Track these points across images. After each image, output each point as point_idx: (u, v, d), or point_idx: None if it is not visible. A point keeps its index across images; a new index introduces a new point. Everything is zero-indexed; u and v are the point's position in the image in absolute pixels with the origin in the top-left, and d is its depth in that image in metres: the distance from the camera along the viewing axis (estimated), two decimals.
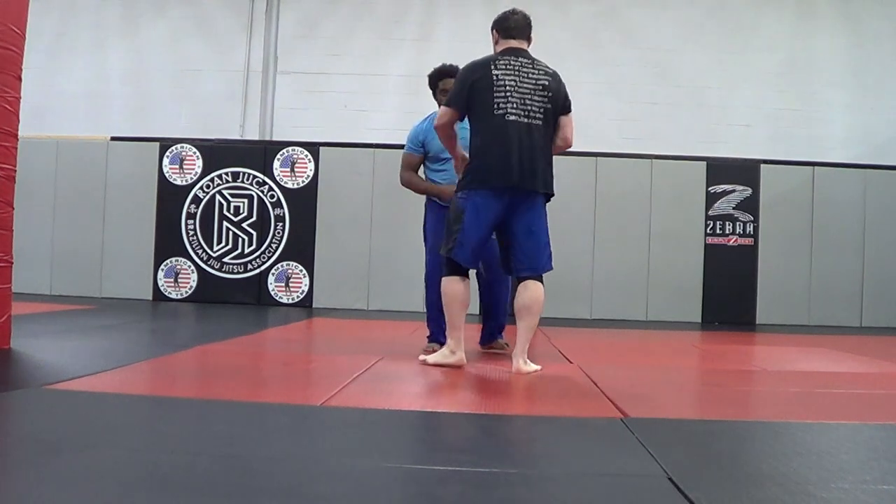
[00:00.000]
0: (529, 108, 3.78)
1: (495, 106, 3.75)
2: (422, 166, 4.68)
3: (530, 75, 3.82)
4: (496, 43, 3.99)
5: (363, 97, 9.34)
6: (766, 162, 8.71)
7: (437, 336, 4.53)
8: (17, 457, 2.03)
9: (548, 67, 3.93)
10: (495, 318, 4.80)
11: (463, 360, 3.92)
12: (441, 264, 4.00)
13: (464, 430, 2.61)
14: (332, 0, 9.55)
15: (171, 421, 2.55)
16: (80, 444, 2.15)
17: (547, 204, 3.98)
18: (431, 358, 3.99)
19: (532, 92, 3.80)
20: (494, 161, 3.75)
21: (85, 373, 3.35)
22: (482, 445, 2.39)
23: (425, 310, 4.76)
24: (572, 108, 3.99)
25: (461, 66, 4.03)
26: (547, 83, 3.85)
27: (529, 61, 3.87)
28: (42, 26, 9.06)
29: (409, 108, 9.14)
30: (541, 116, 3.81)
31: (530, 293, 3.81)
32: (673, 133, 9.16)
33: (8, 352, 3.84)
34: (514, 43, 3.93)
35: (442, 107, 3.95)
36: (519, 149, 3.74)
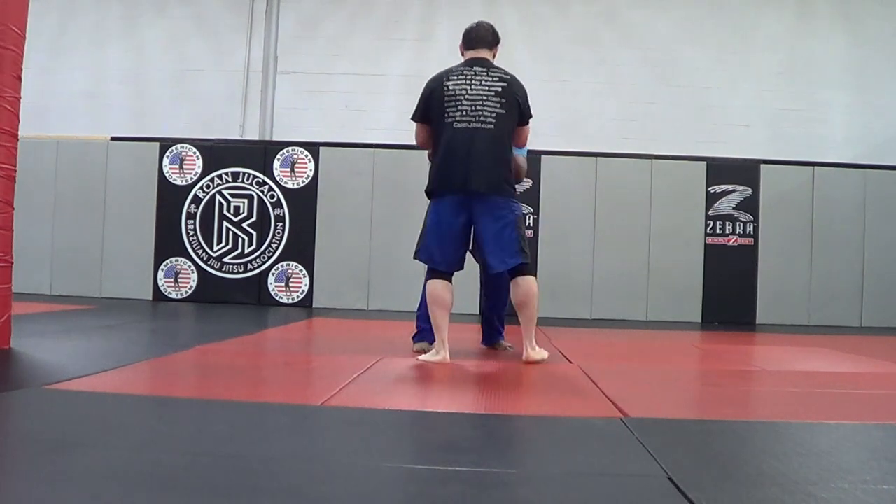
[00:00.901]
0: (480, 113, 3.99)
1: (446, 115, 4.02)
2: None
3: (483, 82, 4.03)
4: (462, 55, 4.23)
5: (363, 97, 9.34)
6: (766, 162, 8.71)
7: (426, 335, 4.55)
8: (17, 457, 2.03)
9: (505, 73, 4.13)
10: (495, 319, 4.81)
11: (446, 358, 4.04)
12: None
13: (464, 430, 2.61)
14: (332, 0, 9.56)
15: (171, 421, 2.55)
16: (79, 444, 2.15)
17: (509, 202, 4.11)
18: (422, 356, 4.17)
19: (484, 98, 4.00)
20: (445, 168, 4.03)
21: (85, 373, 3.35)
22: (482, 445, 2.39)
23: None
24: (532, 115, 4.22)
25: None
26: (501, 89, 4.04)
27: (484, 69, 4.08)
28: (42, 26, 9.06)
29: (408, 108, 9.10)
30: (493, 121, 4.00)
31: (523, 289, 4.04)
32: (673, 133, 9.16)
33: (8, 352, 3.84)
34: (473, 53, 4.17)
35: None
36: (466, 154, 3.97)
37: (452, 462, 2.07)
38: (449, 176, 4.00)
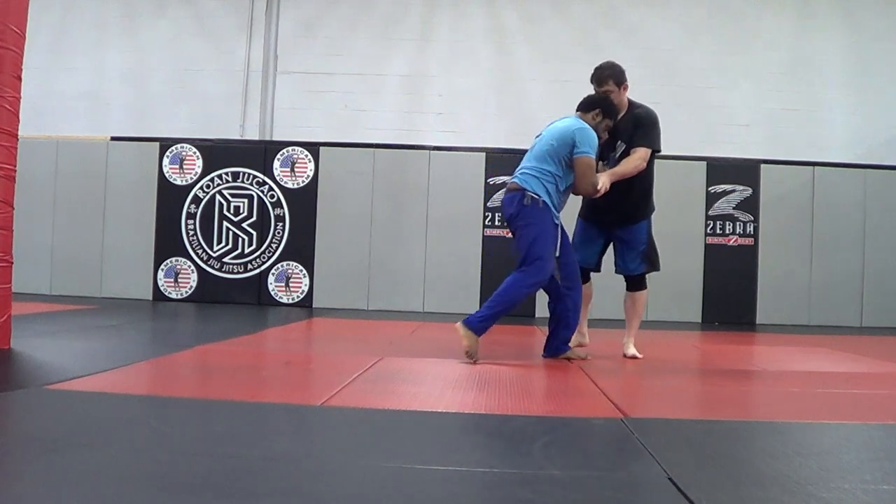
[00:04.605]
0: None
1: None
2: (554, 178, 4.31)
3: None
4: (625, 91, 4.91)
5: (363, 97, 9.34)
6: (766, 162, 8.71)
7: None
8: (18, 456, 2.03)
9: None
10: (567, 328, 4.49)
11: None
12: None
13: (464, 430, 2.61)
14: (332, 0, 9.56)
15: (171, 421, 2.55)
16: (80, 443, 2.15)
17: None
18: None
19: None
20: None
21: (85, 373, 3.35)
22: (482, 445, 2.39)
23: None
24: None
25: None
26: None
27: None
28: (42, 26, 9.06)
29: (408, 108, 9.15)
30: None
31: None
32: (673, 133, 9.13)
33: (8, 352, 3.84)
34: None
35: (648, 150, 4.74)
36: None
37: (452, 462, 2.07)
38: None
